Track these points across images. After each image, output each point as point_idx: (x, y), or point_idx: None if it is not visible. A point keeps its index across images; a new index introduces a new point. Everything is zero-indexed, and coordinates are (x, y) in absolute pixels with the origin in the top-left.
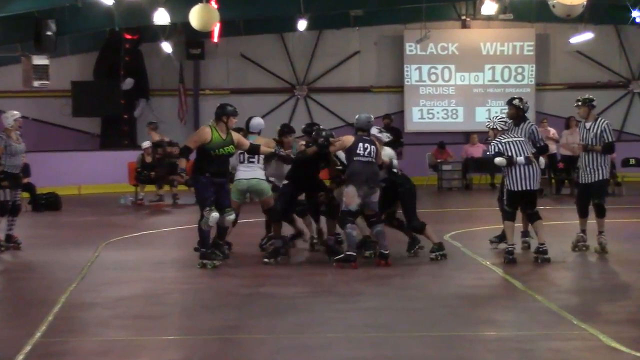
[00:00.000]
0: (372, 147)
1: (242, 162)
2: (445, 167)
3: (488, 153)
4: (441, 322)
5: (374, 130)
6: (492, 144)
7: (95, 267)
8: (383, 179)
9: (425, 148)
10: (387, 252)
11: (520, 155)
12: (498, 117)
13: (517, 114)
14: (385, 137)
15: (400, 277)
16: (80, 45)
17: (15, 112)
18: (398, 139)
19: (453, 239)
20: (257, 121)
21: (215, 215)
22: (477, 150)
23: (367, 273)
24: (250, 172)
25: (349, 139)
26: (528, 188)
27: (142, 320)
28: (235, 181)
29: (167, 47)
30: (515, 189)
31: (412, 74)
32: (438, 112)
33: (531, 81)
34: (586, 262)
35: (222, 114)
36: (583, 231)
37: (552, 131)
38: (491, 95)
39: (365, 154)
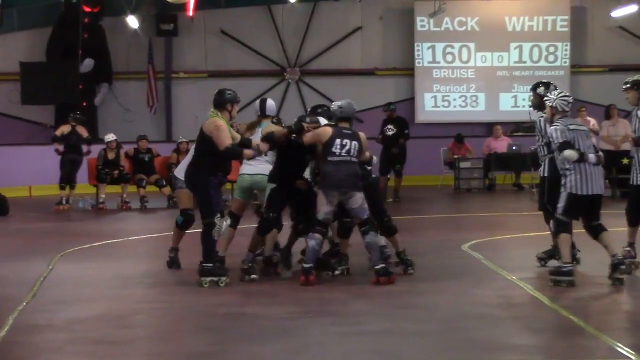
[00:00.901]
0: (353, 142)
1: None
2: (464, 165)
3: (552, 139)
4: (456, 348)
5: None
6: (555, 128)
7: (49, 282)
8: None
9: (439, 142)
10: (379, 267)
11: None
12: (560, 94)
13: (542, 103)
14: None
15: (408, 294)
16: (31, 19)
17: None
18: (402, 131)
19: (473, 249)
20: (272, 103)
21: (227, 223)
22: (501, 145)
23: (369, 290)
24: (254, 167)
25: (326, 132)
26: (597, 192)
27: (104, 346)
28: (238, 176)
29: (133, 21)
30: (582, 193)
31: (424, 54)
32: (455, 99)
33: (565, 62)
34: (631, 278)
35: (226, 101)
36: (631, 244)
37: (593, 122)
38: (518, 79)
39: (343, 153)
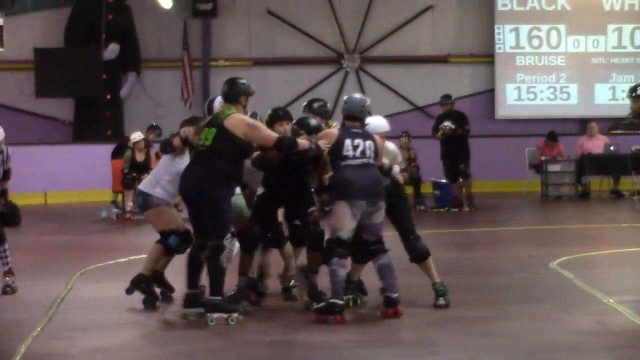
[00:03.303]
0: (367, 142)
1: None
2: (553, 168)
3: None
4: None
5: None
6: None
7: (67, 305)
8: None
9: (523, 141)
10: (395, 295)
11: None
12: None
13: None
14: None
15: (489, 320)
16: None
17: None
18: (461, 126)
19: (563, 267)
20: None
21: (238, 245)
22: (596, 145)
23: (441, 315)
24: None
25: (331, 134)
26: None
27: None
28: None
29: (165, 0)
30: None
31: (506, 38)
32: (542, 91)
33: None
34: None
35: (240, 93)
36: None
37: None
38: (617, 67)
39: (357, 154)
